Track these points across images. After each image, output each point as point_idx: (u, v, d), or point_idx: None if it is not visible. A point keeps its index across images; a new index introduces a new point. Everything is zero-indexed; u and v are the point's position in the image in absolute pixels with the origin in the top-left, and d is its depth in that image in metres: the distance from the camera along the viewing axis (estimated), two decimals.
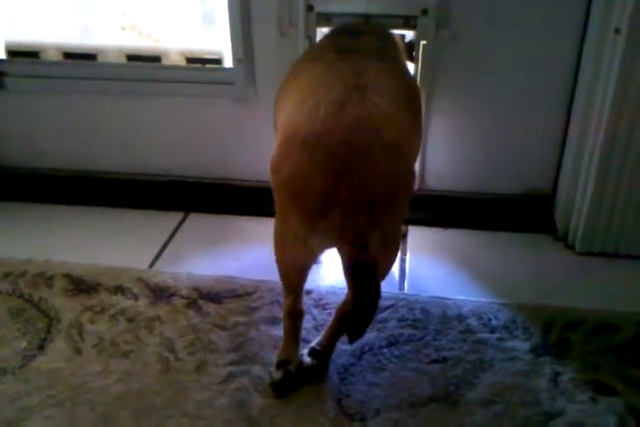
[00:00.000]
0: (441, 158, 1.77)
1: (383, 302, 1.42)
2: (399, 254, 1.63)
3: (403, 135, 1.12)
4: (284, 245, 1.17)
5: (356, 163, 1.02)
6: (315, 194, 1.02)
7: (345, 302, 1.24)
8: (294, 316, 1.24)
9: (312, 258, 1.18)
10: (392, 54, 1.40)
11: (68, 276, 1.54)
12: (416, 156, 1.30)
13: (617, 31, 1.40)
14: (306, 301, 1.41)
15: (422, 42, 1.57)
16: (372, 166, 1.03)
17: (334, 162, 1.02)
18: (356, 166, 1.02)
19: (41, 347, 1.33)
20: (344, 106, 1.07)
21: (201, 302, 1.45)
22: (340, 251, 1.05)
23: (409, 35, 1.59)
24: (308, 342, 1.28)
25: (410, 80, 1.40)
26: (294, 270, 1.21)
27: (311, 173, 1.03)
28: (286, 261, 1.20)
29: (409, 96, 1.28)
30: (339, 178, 1.01)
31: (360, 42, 1.35)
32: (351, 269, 1.03)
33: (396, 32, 1.54)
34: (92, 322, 1.40)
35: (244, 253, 1.66)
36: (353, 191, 1.01)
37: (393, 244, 1.18)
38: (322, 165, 1.02)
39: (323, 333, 1.27)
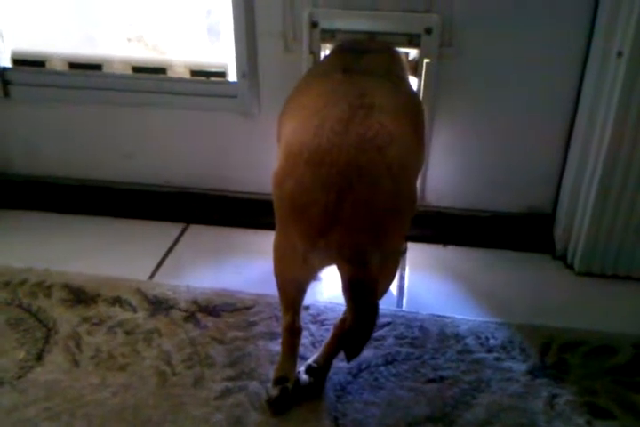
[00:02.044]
0: (442, 175, 1.77)
1: (381, 320, 1.42)
2: (398, 271, 1.64)
3: (407, 154, 1.13)
4: (284, 261, 1.17)
5: (361, 181, 1.03)
6: (317, 210, 1.02)
7: (343, 320, 1.23)
8: (292, 333, 1.24)
9: (311, 274, 1.18)
10: (397, 72, 1.41)
11: (67, 286, 1.54)
12: (419, 173, 1.30)
13: (619, 54, 1.41)
14: (304, 316, 1.40)
15: (426, 60, 1.58)
16: (376, 185, 1.04)
17: (339, 179, 1.03)
18: (361, 185, 1.03)
19: (39, 358, 1.33)
20: (350, 124, 1.08)
21: (199, 316, 1.45)
22: (339, 269, 1.05)
23: (412, 53, 1.59)
24: (305, 358, 1.28)
25: (414, 98, 1.41)
26: (293, 287, 1.21)
27: (315, 189, 1.03)
28: (285, 276, 1.20)
29: (413, 114, 1.29)
30: (342, 195, 1.02)
31: (366, 60, 1.36)
32: (351, 288, 1.03)
33: (400, 50, 1.55)
34: (89, 334, 1.40)
35: (245, 266, 1.66)
36: (356, 209, 1.02)
37: (393, 262, 1.19)
38: (326, 181, 1.03)
39: (320, 350, 1.27)
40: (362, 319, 1.05)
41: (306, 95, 1.27)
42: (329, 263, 1.10)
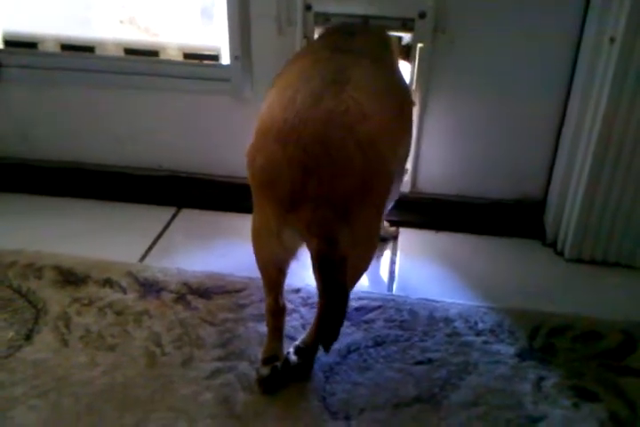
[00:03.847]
0: (434, 161, 1.77)
1: (371, 303, 1.43)
2: (389, 256, 1.65)
3: (381, 132, 1.11)
4: (260, 240, 1.17)
5: (327, 158, 1.02)
6: (285, 187, 1.02)
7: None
8: (275, 313, 1.24)
9: (288, 253, 1.16)
10: (384, 55, 1.40)
11: (57, 267, 1.54)
12: (402, 155, 1.29)
13: (612, 40, 1.41)
14: (294, 299, 1.42)
15: (419, 45, 1.58)
16: (343, 162, 1.03)
17: (305, 156, 1.02)
18: (327, 161, 1.02)
19: (28, 337, 1.33)
20: (321, 99, 1.07)
21: (190, 298, 1.45)
22: (308, 245, 1.05)
23: (406, 37, 1.59)
24: (295, 340, 1.28)
25: (399, 81, 1.40)
26: (272, 266, 1.21)
27: (282, 165, 1.03)
28: (263, 255, 1.19)
29: (395, 96, 1.28)
30: (308, 172, 1.01)
31: (354, 42, 1.35)
32: (319, 265, 1.02)
33: (394, 34, 1.54)
34: (79, 314, 1.40)
35: (235, 250, 1.66)
36: (322, 186, 1.01)
37: (366, 244, 1.17)
38: (292, 158, 1.02)
39: (307, 330, 1.28)
40: (331, 300, 1.04)
41: (288, 73, 1.26)
42: (301, 240, 1.09)
